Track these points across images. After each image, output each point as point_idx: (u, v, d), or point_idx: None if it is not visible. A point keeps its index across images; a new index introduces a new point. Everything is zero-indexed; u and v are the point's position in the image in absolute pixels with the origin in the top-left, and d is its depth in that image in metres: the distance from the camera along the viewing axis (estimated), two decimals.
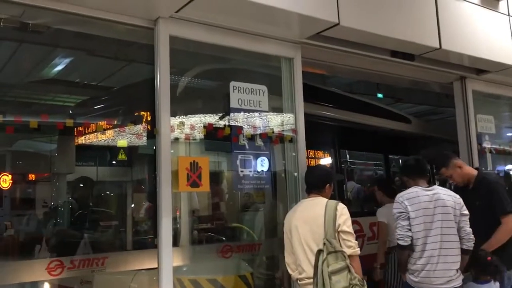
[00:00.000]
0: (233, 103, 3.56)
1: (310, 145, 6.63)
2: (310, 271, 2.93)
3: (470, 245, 3.50)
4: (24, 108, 5.23)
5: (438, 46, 4.13)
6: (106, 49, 4.23)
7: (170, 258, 2.97)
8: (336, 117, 7.32)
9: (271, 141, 3.70)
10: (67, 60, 5.11)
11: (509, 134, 6.10)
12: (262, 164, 3.62)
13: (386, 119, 8.31)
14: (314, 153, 7.17)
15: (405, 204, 3.45)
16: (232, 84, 3.60)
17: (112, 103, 5.59)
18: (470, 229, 3.50)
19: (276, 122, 3.77)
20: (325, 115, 7.11)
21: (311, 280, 2.90)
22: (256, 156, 3.60)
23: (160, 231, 3.02)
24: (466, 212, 3.51)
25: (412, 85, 5.84)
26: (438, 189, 3.56)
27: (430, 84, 5.56)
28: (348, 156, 8.62)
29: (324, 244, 2.90)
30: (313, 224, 3.01)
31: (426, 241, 3.40)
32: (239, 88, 3.61)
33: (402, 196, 3.51)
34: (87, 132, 5.04)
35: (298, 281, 3.07)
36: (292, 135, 3.76)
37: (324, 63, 4.33)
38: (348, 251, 2.94)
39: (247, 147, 3.57)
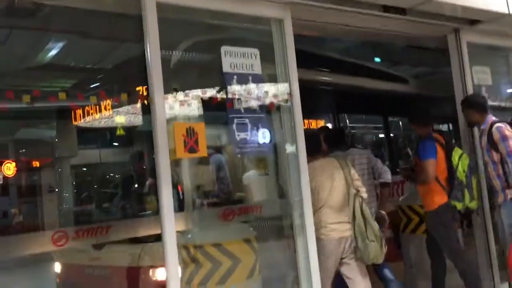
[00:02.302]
0: (226, 68, 3.54)
1: (309, 113, 6.83)
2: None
3: None
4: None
5: None
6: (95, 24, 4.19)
7: (172, 223, 3.00)
8: (333, 81, 7.32)
9: (267, 105, 3.70)
10: (58, 44, 5.07)
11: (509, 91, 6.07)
12: (259, 128, 3.62)
13: (384, 80, 8.31)
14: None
15: None
16: (223, 48, 3.57)
17: (106, 82, 5.59)
18: None
19: (270, 87, 3.75)
20: (321, 80, 7.12)
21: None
22: (252, 120, 3.60)
23: (161, 198, 3.04)
24: None
25: (407, 42, 5.78)
26: None
27: (424, 40, 5.50)
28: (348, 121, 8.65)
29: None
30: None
31: None
32: (230, 52, 3.59)
33: None
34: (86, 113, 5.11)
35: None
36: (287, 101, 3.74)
37: (315, 23, 4.29)
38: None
39: (242, 111, 3.57)
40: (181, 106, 3.30)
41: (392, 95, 8.25)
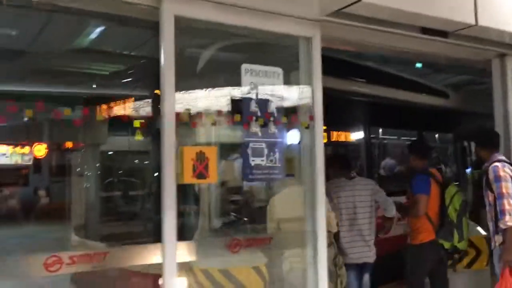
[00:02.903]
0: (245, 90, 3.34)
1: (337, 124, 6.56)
2: None
3: None
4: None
5: (474, 23, 3.75)
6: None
7: (174, 254, 2.84)
8: (367, 92, 7.01)
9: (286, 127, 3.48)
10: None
11: None
12: (275, 153, 3.41)
13: (421, 93, 7.93)
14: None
15: None
16: (244, 66, 3.36)
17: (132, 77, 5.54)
18: None
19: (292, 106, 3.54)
20: (354, 90, 6.81)
21: None
22: (269, 144, 3.39)
23: (164, 225, 2.88)
24: None
25: (448, 63, 5.44)
26: None
27: (467, 62, 5.15)
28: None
29: None
30: None
31: None
32: (252, 71, 3.38)
33: None
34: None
35: None
36: (308, 122, 3.51)
37: (347, 41, 4.02)
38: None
39: (259, 134, 3.36)
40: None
41: (428, 108, 7.89)
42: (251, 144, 3.32)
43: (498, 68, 4.78)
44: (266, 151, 3.37)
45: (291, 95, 3.62)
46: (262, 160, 3.35)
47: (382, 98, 7.12)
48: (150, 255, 2.87)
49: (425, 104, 7.90)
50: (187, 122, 3.08)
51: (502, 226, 3.90)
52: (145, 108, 4.85)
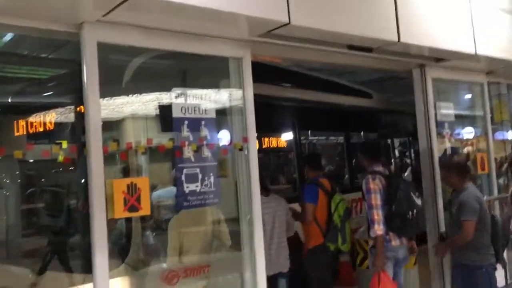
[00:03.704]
0: (176, 112, 3.24)
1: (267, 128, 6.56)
2: None
3: None
4: None
5: (396, 40, 3.87)
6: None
7: None
8: (295, 96, 7.07)
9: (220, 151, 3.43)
10: None
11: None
12: (210, 177, 3.34)
13: (347, 95, 8.14)
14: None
15: None
16: (175, 90, 3.26)
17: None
18: None
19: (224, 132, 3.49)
20: (282, 95, 6.85)
21: None
22: (203, 168, 3.32)
23: (94, 263, 2.75)
24: None
25: (373, 72, 5.62)
26: None
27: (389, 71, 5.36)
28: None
29: None
30: None
31: None
32: (182, 95, 3.29)
33: None
34: None
35: None
36: (242, 144, 3.48)
37: (276, 57, 4.03)
38: None
39: (192, 160, 3.28)
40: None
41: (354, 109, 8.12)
42: (184, 170, 3.23)
43: (418, 77, 5.03)
44: (200, 176, 3.30)
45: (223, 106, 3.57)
46: (197, 186, 3.27)
47: (309, 102, 7.22)
48: None
49: (350, 106, 8.13)
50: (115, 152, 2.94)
51: (372, 234, 4.17)
52: (68, 115, 4.60)
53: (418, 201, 4.26)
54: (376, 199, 4.17)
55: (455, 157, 4.56)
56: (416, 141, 5.79)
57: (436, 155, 4.96)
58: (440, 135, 5.11)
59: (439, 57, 4.70)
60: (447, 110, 5.29)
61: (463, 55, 4.55)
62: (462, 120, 6.15)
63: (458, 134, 5.83)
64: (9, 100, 5.49)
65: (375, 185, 4.22)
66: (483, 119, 5.89)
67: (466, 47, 4.52)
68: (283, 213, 4.79)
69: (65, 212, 5.20)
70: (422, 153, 5.07)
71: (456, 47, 4.43)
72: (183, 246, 3.59)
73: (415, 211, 4.17)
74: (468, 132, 6.12)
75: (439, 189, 4.94)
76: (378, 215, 4.13)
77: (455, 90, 5.86)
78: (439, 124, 5.15)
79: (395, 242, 4.25)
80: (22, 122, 5.37)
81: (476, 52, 4.59)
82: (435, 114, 5.07)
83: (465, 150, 5.99)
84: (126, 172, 3.59)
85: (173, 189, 3.89)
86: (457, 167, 4.46)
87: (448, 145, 5.23)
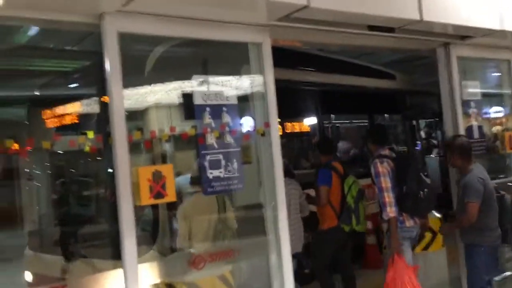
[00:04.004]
0: (197, 100, 3.26)
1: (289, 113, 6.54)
2: None
3: None
4: None
5: (419, 18, 3.80)
6: None
7: (136, 280, 2.78)
8: (317, 80, 7.02)
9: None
10: None
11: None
12: (233, 163, 3.37)
13: (370, 77, 8.04)
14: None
15: None
16: (196, 78, 3.29)
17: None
18: None
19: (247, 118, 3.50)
20: (304, 79, 6.81)
21: None
22: (226, 155, 3.35)
23: (123, 249, 2.81)
24: None
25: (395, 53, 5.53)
26: None
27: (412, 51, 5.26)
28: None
29: None
30: None
31: None
32: (203, 82, 3.31)
33: None
34: None
35: None
36: (264, 129, 3.48)
37: (296, 41, 4.01)
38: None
39: (215, 146, 3.31)
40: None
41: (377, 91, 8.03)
42: (208, 157, 3.26)
43: (443, 56, 4.91)
44: (223, 162, 3.33)
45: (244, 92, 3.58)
46: (220, 172, 3.30)
47: (332, 85, 7.17)
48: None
49: (373, 88, 8.03)
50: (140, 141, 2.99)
51: (384, 217, 4.23)
52: (93, 106, 4.69)
53: (428, 180, 4.32)
54: (386, 182, 4.25)
55: (458, 138, 4.48)
56: (442, 122, 5.71)
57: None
58: (466, 114, 5.00)
59: (464, 34, 4.59)
60: (473, 89, 5.17)
61: (489, 31, 4.44)
62: (489, 99, 6.02)
63: (486, 113, 5.72)
64: (37, 93, 5.63)
65: (383, 168, 4.29)
66: (510, 97, 5.75)
67: (492, 23, 4.40)
68: (297, 195, 4.93)
69: (94, 201, 5.34)
70: (448, 133, 4.98)
71: (482, 23, 4.32)
72: (191, 233, 3.71)
73: (425, 190, 4.22)
74: (496, 111, 5.98)
75: None
76: (389, 197, 4.21)
77: (482, 68, 5.71)
78: (465, 104, 5.04)
79: (409, 222, 4.32)
80: (49, 114, 5.50)
81: (503, 28, 4.46)
82: (461, 94, 4.97)
83: (494, 129, 5.89)
84: (156, 160, 3.66)
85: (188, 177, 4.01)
86: (460, 149, 4.35)
87: (474, 123, 5.11)
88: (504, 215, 4.36)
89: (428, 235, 5.23)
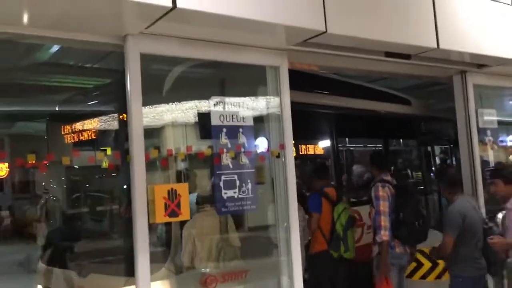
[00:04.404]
0: (214, 120, 3.32)
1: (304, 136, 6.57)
2: None
3: None
4: None
5: (435, 46, 3.84)
6: None
7: None
8: (331, 104, 7.05)
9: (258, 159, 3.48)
10: None
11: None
12: (247, 184, 3.40)
13: (385, 102, 8.04)
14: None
15: None
16: (213, 99, 3.35)
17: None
18: None
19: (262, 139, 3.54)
20: (319, 102, 6.84)
21: None
22: (241, 175, 3.38)
23: (137, 266, 2.84)
24: None
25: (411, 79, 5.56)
26: None
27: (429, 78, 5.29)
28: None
29: None
30: None
31: None
32: (220, 103, 3.37)
33: None
34: None
35: None
36: (279, 151, 3.52)
37: (313, 65, 4.07)
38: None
39: (230, 166, 3.35)
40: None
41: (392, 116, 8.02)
42: (223, 177, 3.30)
43: (459, 84, 4.94)
44: (238, 182, 3.36)
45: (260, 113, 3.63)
46: (235, 192, 3.34)
47: (347, 109, 7.19)
48: None
49: (388, 112, 8.03)
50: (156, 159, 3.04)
51: (378, 239, 4.36)
52: (111, 122, 4.77)
53: (423, 211, 4.50)
54: (385, 206, 4.40)
55: (448, 169, 4.58)
56: (457, 148, 5.69)
57: (478, 163, 4.86)
58: (482, 142, 4.99)
59: (480, 63, 4.61)
60: (490, 117, 5.17)
61: (505, 60, 4.45)
62: (506, 127, 5.99)
63: (502, 141, 5.69)
64: (56, 108, 5.75)
65: (384, 193, 4.45)
66: None
67: (508, 53, 4.42)
68: (300, 218, 4.87)
69: (107, 217, 5.39)
70: (463, 161, 4.96)
71: (498, 52, 4.34)
72: (195, 251, 3.71)
73: (421, 221, 4.38)
74: None
75: (480, 198, 4.82)
76: (385, 221, 4.35)
77: (498, 96, 5.71)
78: (481, 131, 5.04)
79: (399, 249, 4.46)
80: (68, 129, 5.61)
81: None
82: (477, 121, 4.97)
83: (511, 157, 5.85)
84: (171, 178, 3.71)
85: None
86: (448, 180, 4.48)
87: (490, 152, 5.10)
88: (489, 247, 4.27)
89: (427, 264, 5.30)
